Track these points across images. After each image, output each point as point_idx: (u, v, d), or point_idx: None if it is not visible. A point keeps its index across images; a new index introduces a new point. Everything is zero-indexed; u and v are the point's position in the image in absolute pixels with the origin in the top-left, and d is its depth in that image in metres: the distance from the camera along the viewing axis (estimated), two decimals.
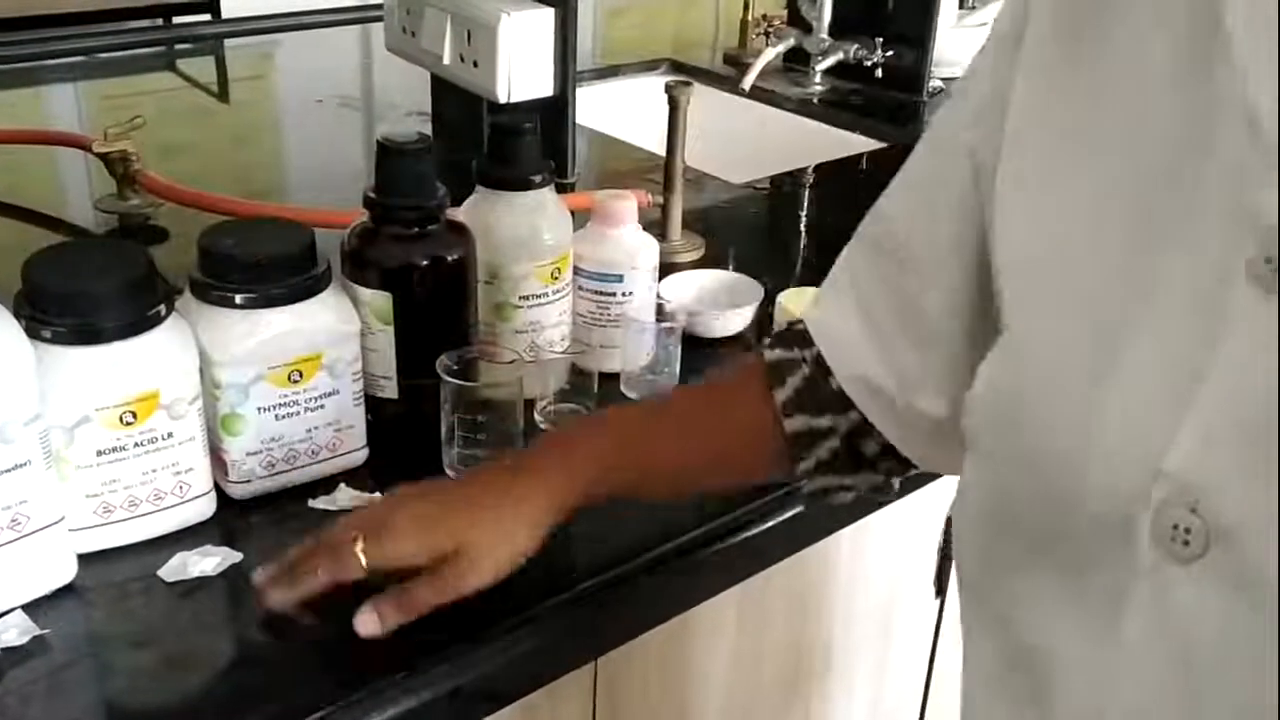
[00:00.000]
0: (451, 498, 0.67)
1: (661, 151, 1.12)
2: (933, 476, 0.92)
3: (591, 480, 0.67)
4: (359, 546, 0.62)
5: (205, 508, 0.73)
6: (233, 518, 0.74)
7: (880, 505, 0.87)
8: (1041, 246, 0.49)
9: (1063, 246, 0.47)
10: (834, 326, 0.64)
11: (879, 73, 1.59)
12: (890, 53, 1.58)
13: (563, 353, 0.86)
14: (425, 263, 0.77)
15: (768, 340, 0.68)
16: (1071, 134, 0.48)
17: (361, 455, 0.79)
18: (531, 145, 0.83)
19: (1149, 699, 0.42)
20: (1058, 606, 0.46)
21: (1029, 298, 0.49)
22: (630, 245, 0.89)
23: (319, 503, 0.75)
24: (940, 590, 1.05)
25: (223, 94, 1.68)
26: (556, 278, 0.85)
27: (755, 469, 0.70)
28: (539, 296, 0.85)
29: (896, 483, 0.68)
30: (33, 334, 0.64)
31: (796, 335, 0.66)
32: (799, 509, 0.81)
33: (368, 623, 0.63)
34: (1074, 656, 0.45)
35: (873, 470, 0.67)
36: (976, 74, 0.57)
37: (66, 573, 0.67)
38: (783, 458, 0.66)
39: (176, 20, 1.79)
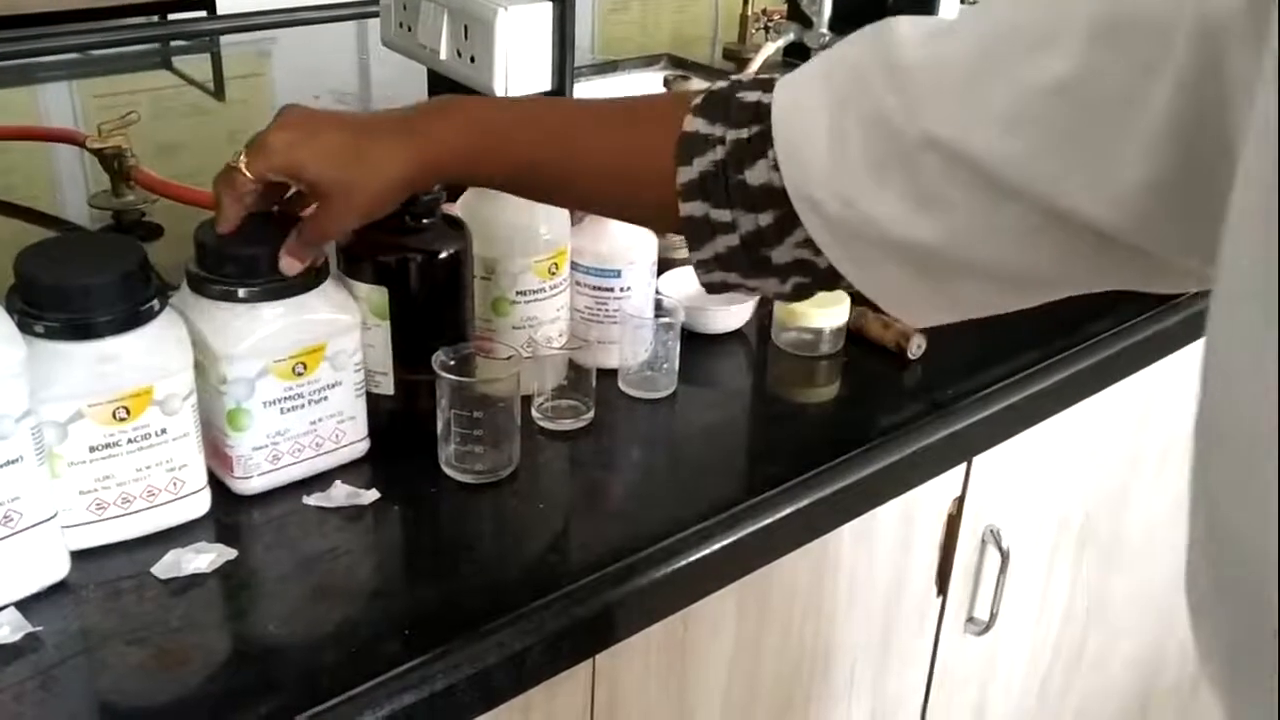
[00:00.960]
0: (320, 126, 0.69)
1: None
2: (939, 470, 0.92)
3: (477, 160, 0.67)
4: (241, 162, 0.69)
5: (199, 504, 0.72)
6: (227, 515, 0.73)
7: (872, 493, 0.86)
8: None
9: None
10: (800, 128, 0.56)
11: None
12: None
13: (560, 349, 0.86)
14: (421, 257, 0.77)
15: (699, 98, 0.61)
16: None
17: (363, 447, 0.78)
18: None
19: None
20: None
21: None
22: (628, 240, 0.88)
23: (314, 499, 0.75)
24: (942, 588, 1.04)
25: (218, 91, 1.67)
26: (554, 273, 0.85)
27: (646, 216, 0.68)
28: (536, 292, 0.84)
29: (808, 295, 0.63)
30: (25, 329, 0.63)
31: (731, 106, 0.59)
32: (801, 505, 0.80)
33: (285, 261, 0.71)
34: None
35: (778, 279, 0.61)
36: None
37: (59, 570, 0.66)
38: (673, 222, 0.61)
39: (172, 17, 1.78)
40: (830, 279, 0.59)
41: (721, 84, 0.61)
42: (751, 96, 0.59)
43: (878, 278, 0.57)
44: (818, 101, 0.56)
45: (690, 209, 0.60)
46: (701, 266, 0.62)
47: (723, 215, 0.59)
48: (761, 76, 0.61)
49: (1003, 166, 0.50)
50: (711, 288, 0.64)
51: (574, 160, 0.66)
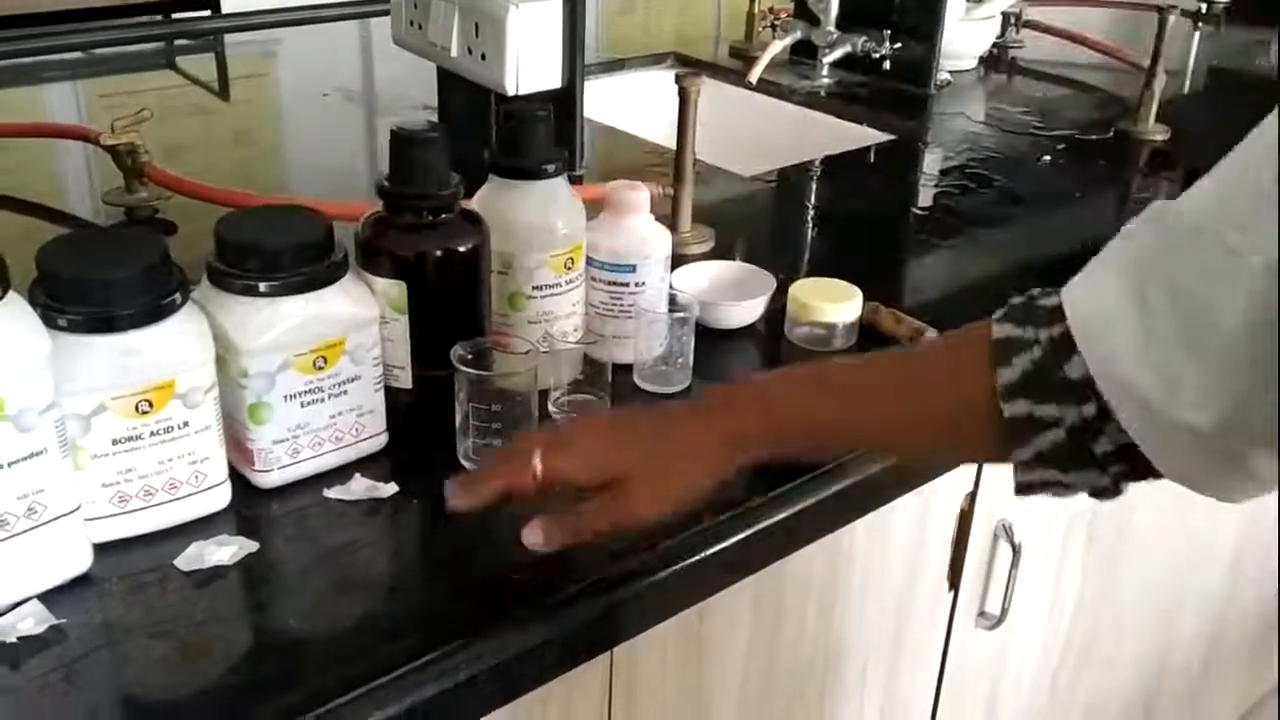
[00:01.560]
0: (635, 430, 0.69)
1: (668, 145, 1.11)
2: (942, 468, 0.92)
3: (782, 428, 0.66)
4: (536, 457, 0.65)
5: (221, 497, 0.72)
6: (248, 507, 0.73)
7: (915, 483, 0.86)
8: None
9: None
10: (1094, 308, 0.57)
11: (887, 65, 1.59)
12: (898, 45, 1.57)
13: (576, 343, 0.86)
14: (439, 252, 0.77)
15: (999, 313, 0.62)
16: None
17: (382, 440, 0.78)
18: (545, 133, 0.83)
19: None
20: None
21: None
22: (643, 235, 0.89)
23: (334, 492, 0.75)
24: (954, 583, 1.04)
25: (224, 91, 1.67)
26: (570, 268, 0.85)
27: (965, 449, 0.68)
28: (552, 287, 0.84)
29: (1125, 487, 0.61)
30: (49, 322, 0.63)
31: (1034, 311, 0.60)
32: (814, 500, 0.80)
33: (534, 534, 0.66)
34: None
35: (1099, 470, 0.60)
36: None
37: (82, 562, 0.66)
38: (998, 443, 0.61)
39: (176, 16, 1.78)
40: (1148, 466, 0.59)
41: (1018, 298, 0.62)
42: (1049, 301, 0.60)
43: (1181, 463, 0.57)
44: (1113, 284, 0.57)
45: (1014, 409, 0.60)
46: (1022, 468, 0.61)
47: (1048, 411, 0.59)
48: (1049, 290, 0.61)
49: None
50: (1029, 488, 0.62)
51: (894, 423, 0.66)
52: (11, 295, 0.61)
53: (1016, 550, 1.05)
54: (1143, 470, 0.59)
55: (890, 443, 0.70)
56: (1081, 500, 0.63)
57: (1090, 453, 0.59)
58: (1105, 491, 0.61)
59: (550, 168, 0.83)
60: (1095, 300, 0.57)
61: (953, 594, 1.05)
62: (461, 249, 0.78)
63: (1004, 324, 0.61)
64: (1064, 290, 0.60)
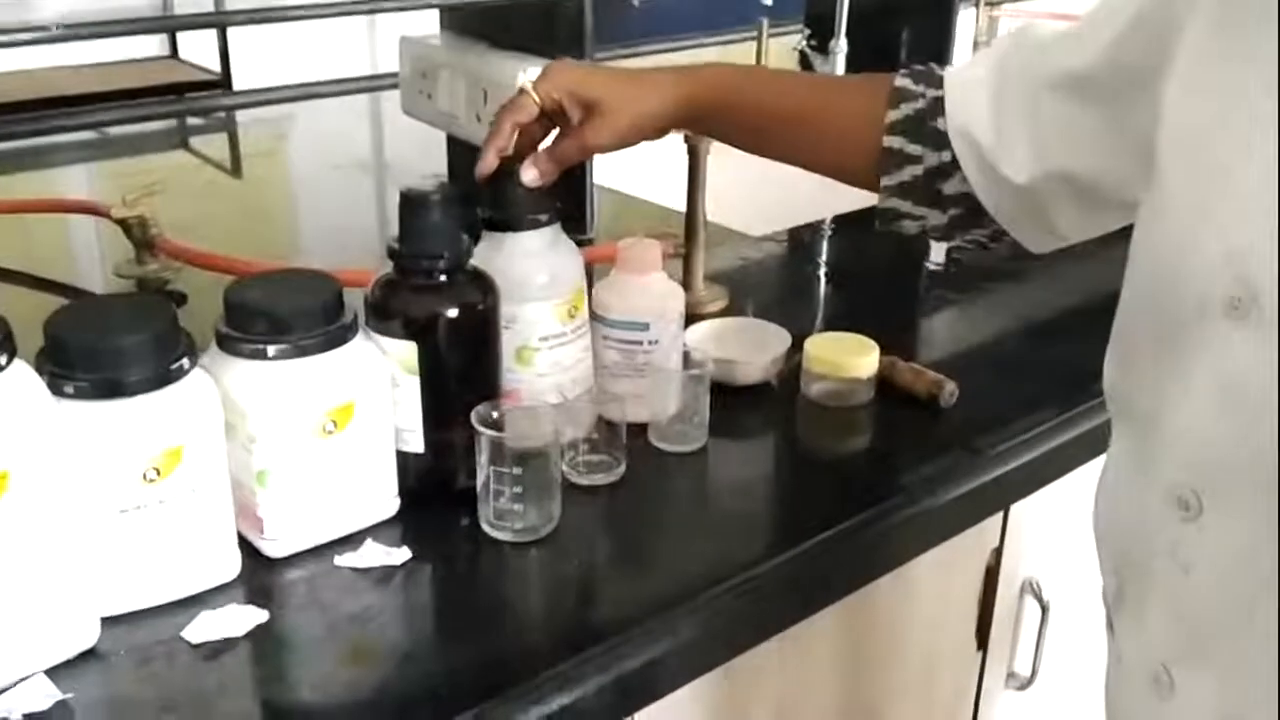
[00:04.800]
0: (596, 66, 0.88)
1: (677, 208, 1.11)
2: (975, 520, 0.90)
3: (719, 94, 0.83)
4: (529, 85, 0.81)
5: (230, 567, 0.71)
6: (257, 576, 0.72)
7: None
8: (1207, 112, 0.58)
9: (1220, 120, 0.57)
10: (965, 81, 0.77)
11: None
12: None
13: (589, 403, 0.85)
14: (451, 312, 0.76)
15: (902, 70, 0.80)
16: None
17: (393, 505, 0.77)
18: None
19: (1208, 427, 0.56)
20: (1159, 376, 0.60)
21: (1185, 144, 0.59)
22: (656, 292, 0.88)
23: (345, 559, 0.73)
24: (982, 642, 1.02)
25: (236, 169, 1.69)
26: (573, 315, 0.84)
27: (845, 164, 0.82)
28: (558, 336, 0.83)
29: (957, 235, 0.80)
30: (55, 390, 0.62)
31: (925, 74, 0.79)
32: (837, 558, 0.79)
33: (529, 172, 0.81)
34: (1167, 405, 0.59)
35: (941, 210, 0.78)
36: None
37: (90, 636, 0.65)
38: (868, 168, 0.79)
39: (189, 95, 1.81)
40: (980, 215, 0.77)
41: (920, 66, 0.80)
42: (941, 71, 0.79)
43: (1000, 203, 0.76)
44: (981, 71, 0.76)
45: (891, 141, 0.78)
46: (884, 192, 0.79)
47: (914, 149, 0.77)
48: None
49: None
50: (886, 216, 0.80)
51: (797, 115, 0.83)
52: (17, 362, 0.60)
53: (1045, 608, 1.02)
54: (975, 220, 0.78)
55: (789, 134, 0.84)
56: None
57: (939, 192, 0.78)
58: (940, 231, 0.80)
59: (543, 217, 0.83)
60: (967, 78, 0.77)
61: (981, 654, 1.02)
62: (474, 308, 0.77)
63: (904, 78, 0.79)
64: (948, 69, 0.79)
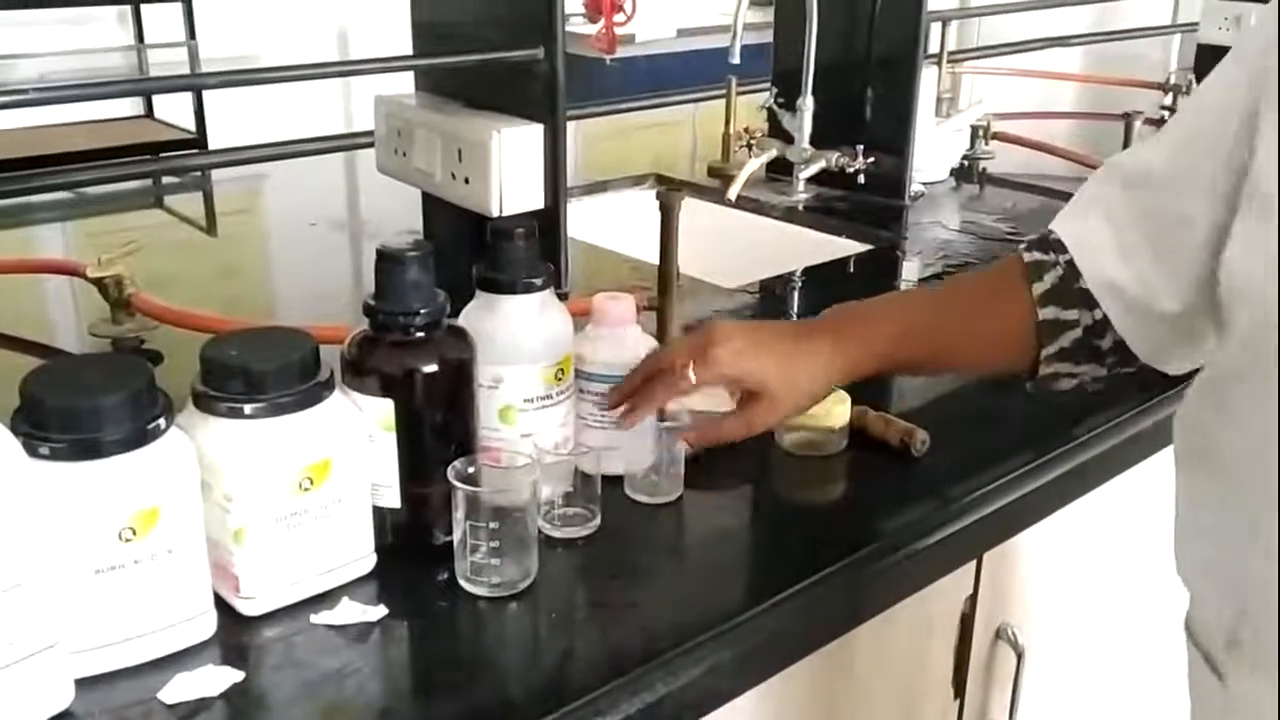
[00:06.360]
0: (760, 336, 0.86)
1: (651, 261, 1.12)
2: (950, 568, 0.91)
3: (880, 354, 0.85)
4: (690, 369, 0.81)
5: (206, 627, 0.70)
6: (233, 635, 0.71)
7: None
8: None
9: None
10: (1085, 237, 0.79)
11: (861, 179, 1.62)
12: (871, 160, 1.61)
13: (567, 454, 0.85)
14: (427, 368, 0.77)
15: (1024, 245, 0.83)
16: None
17: (370, 562, 0.77)
18: (531, 248, 0.84)
19: None
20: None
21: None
22: (631, 345, 0.89)
23: (321, 617, 0.73)
24: (958, 690, 1.02)
25: (211, 227, 1.69)
26: (560, 379, 0.85)
27: (1005, 355, 0.84)
28: (544, 398, 0.84)
29: (1119, 374, 0.83)
30: (30, 451, 0.62)
31: (1049, 243, 0.82)
32: (812, 608, 0.79)
33: (688, 438, 0.85)
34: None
35: (1100, 363, 0.82)
36: (1251, 41, 0.68)
37: (64, 698, 0.64)
38: (1027, 346, 0.82)
39: (164, 154, 1.82)
40: (1131, 358, 0.81)
41: (1033, 235, 0.84)
42: (1055, 236, 0.82)
43: (1154, 340, 0.79)
44: (1094, 226, 0.79)
45: (1045, 313, 0.81)
46: (1045, 361, 0.82)
47: (1070, 314, 0.81)
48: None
49: None
50: (1046, 380, 0.83)
51: (950, 347, 0.88)
52: None
53: (1020, 654, 1.03)
54: (1127, 363, 0.81)
55: (948, 362, 0.91)
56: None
57: (1097, 348, 0.81)
58: (1101, 383, 0.83)
59: (537, 281, 0.83)
60: (1086, 234, 0.79)
61: (958, 701, 1.02)
62: (449, 363, 0.78)
63: (1031, 252, 0.82)
64: (1060, 229, 0.82)
